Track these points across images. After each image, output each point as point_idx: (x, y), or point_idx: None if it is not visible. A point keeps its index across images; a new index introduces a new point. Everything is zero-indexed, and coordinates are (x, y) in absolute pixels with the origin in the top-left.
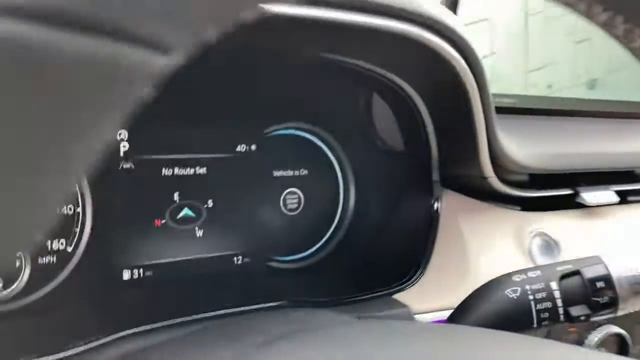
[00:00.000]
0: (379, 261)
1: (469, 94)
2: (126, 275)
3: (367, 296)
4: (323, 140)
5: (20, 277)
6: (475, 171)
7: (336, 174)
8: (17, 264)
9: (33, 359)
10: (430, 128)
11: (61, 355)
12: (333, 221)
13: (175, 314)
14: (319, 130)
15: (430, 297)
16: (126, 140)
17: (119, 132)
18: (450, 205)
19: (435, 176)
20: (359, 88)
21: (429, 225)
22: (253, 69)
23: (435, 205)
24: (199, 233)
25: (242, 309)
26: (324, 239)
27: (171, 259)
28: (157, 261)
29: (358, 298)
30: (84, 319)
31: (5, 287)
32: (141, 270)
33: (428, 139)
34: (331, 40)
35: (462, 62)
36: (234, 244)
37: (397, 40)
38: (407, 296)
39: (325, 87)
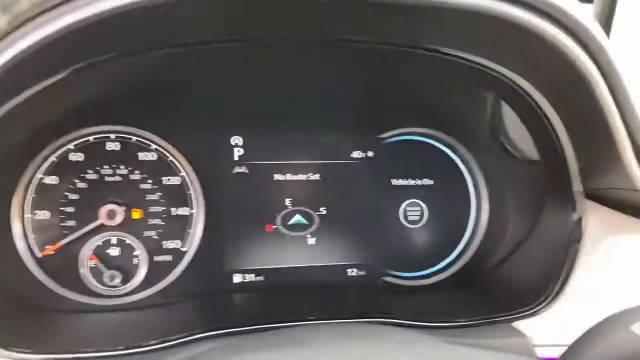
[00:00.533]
0: (506, 284)
1: (596, 94)
2: (237, 278)
3: (484, 321)
4: (450, 147)
5: (138, 274)
6: (623, 182)
7: (466, 184)
8: (135, 261)
9: (141, 347)
10: (562, 133)
11: (166, 344)
12: (461, 238)
13: (283, 320)
14: (444, 137)
15: (559, 327)
16: (241, 146)
17: (233, 138)
18: (594, 221)
19: (577, 186)
20: (486, 91)
21: (571, 243)
22: (371, 71)
23: (577, 219)
24: (311, 241)
25: (349, 321)
26: (451, 257)
27: (282, 265)
28: (268, 266)
29: (473, 323)
30: (193, 314)
31: (124, 283)
32: (252, 275)
33: (562, 145)
34: (459, 31)
35: (587, 59)
36: (348, 255)
37: (518, 31)
38: (530, 324)
39: (451, 90)
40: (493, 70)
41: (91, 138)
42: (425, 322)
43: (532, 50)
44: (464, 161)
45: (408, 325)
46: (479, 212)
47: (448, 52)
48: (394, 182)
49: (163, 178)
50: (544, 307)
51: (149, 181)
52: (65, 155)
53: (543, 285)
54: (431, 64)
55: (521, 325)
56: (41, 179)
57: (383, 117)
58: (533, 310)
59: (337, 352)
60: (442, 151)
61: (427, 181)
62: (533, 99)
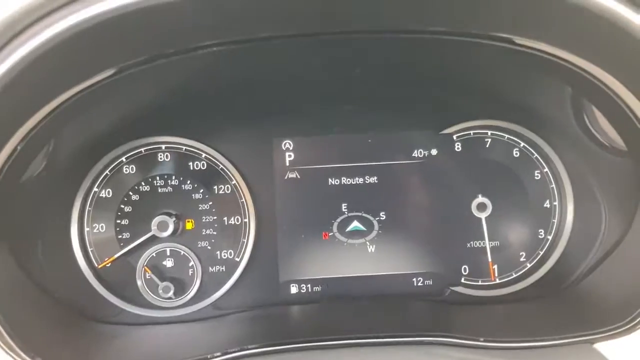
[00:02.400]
0: (591, 297)
1: None
2: (294, 289)
3: (560, 341)
4: (524, 140)
5: (193, 285)
6: None
7: (545, 181)
8: (190, 272)
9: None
10: None
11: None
12: (541, 243)
13: (343, 334)
14: (516, 128)
15: None
16: (292, 150)
17: (283, 142)
18: None
19: None
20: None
21: None
22: (434, 61)
23: None
24: (371, 248)
25: (417, 339)
26: (531, 263)
27: (341, 275)
28: (326, 276)
29: (549, 344)
30: (248, 328)
31: (177, 295)
32: (309, 286)
33: None
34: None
35: None
36: (412, 263)
37: (599, 20)
38: (614, 347)
39: (521, 78)
40: (567, 61)
41: (142, 150)
42: (494, 341)
43: (615, 41)
44: (540, 154)
45: (474, 346)
46: (562, 212)
47: (521, 42)
48: (461, 181)
49: (214, 187)
50: (634, 326)
51: (201, 191)
52: (118, 168)
53: (636, 299)
54: (500, 54)
55: (604, 347)
56: (97, 192)
57: (446, 111)
58: (620, 330)
59: None
60: (514, 144)
61: (498, 179)
62: (616, 93)
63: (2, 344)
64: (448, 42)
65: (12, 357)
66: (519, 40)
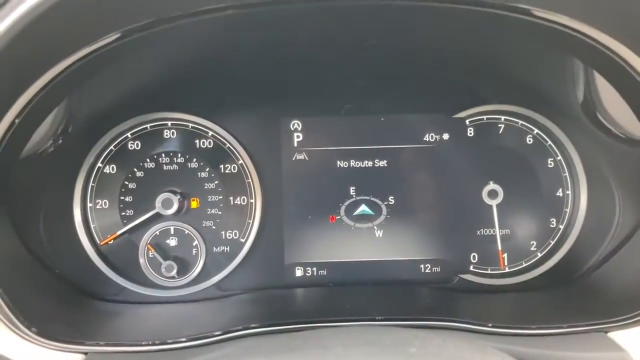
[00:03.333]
0: (604, 286)
1: None
2: (299, 272)
3: (573, 329)
4: (537, 125)
5: (196, 265)
6: None
7: (559, 168)
8: (194, 252)
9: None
10: None
11: (216, 338)
12: (552, 232)
13: (347, 316)
14: (529, 113)
15: None
16: (300, 131)
17: (292, 122)
18: None
19: None
20: (573, 61)
21: None
22: (447, 37)
23: None
24: (379, 233)
25: (422, 322)
26: (542, 253)
27: (347, 259)
28: (332, 260)
29: (560, 332)
30: (251, 309)
31: (181, 274)
32: (314, 269)
33: None
34: None
35: None
36: (420, 249)
37: None
38: (629, 336)
39: (537, 61)
40: (589, 36)
41: (148, 126)
42: (503, 327)
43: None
44: (554, 141)
45: (483, 332)
46: (575, 201)
47: (539, 14)
48: (472, 167)
49: (221, 166)
50: None
51: (207, 169)
52: (123, 144)
53: None
54: (517, 28)
55: (618, 336)
56: (101, 168)
57: (459, 94)
58: (636, 320)
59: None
60: (527, 131)
61: (510, 166)
62: (634, 68)
63: (1, 317)
64: (464, 14)
65: (11, 328)
66: (536, 11)
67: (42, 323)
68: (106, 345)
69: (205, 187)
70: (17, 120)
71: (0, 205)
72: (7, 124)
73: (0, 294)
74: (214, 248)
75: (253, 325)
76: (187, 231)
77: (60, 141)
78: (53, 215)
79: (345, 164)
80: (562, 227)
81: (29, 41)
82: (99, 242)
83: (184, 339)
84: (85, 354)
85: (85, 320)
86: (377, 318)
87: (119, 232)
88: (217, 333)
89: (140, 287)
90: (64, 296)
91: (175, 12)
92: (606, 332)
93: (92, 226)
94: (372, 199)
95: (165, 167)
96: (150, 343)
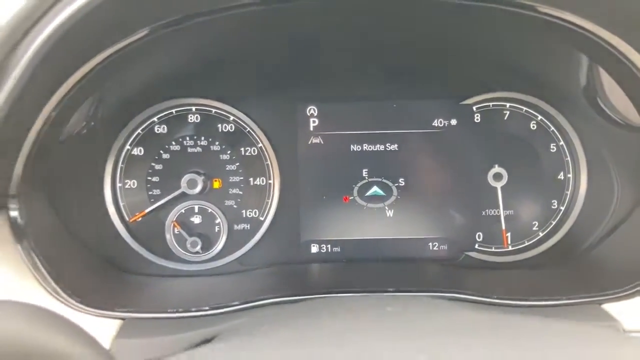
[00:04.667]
0: (601, 263)
1: None
2: (314, 248)
3: (569, 302)
4: (541, 112)
5: (219, 241)
6: None
7: (560, 153)
8: (217, 229)
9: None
10: None
11: (236, 307)
12: (554, 213)
13: (360, 287)
14: (533, 100)
15: None
16: (316, 116)
17: (308, 108)
18: None
19: None
20: (577, 52)
21: None
22: (454, 29)
23: None
24: (389, 213)
25: (429, 295)
26: (543, 232)
27: (359, 237)
28: (345, 238)
29: (556, 303)
30: (270, 282)
31: (205, 250)
32: (329, 246)
33: None
34: None
35: None
36: (429, 228)
37: None
38: (621, 307)
39: (540, 51)
40: (588, 30)
41: (174, 111)
42: (507, 299)
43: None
44: (557, 127)
45: (485, 303)
46: (575, 184)
47: (544, 10)
48: (479, 151)
49: (241, 149)
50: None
51: (228, 152)
52: (150, 127)
53: None
54: (520, 21)
55: (612, 307)
56: (129, 150)
57: (467, 82)
58: (628, 293)
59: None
60: (531, 117)
61: (515, 151)
62: (631, 61)
63: (47, 287)
64: (472, 10)
65: (57, 298)
66: (541, 8)
67: (83, 293)
68: (139, 312)
69: (227, 169)
70: (61, 105)
71: (42, 185)
72: (51, 108)
73: (45, 266)
74: (235, 226)
75: (271, 296)
76: (210, 210)
77: (92, 125)
78: (86, 195)
79: (359, 148)
80: (562, 208)
81: (74, 36)
82: (128, 219)
83: (207, 308)
84: (123, 319)
85: (119, 290)
86: (388, 290)
87: (146, 210)
88: (237, 303)
89: (167, 262)
90: (98, 269)
91: (203, 8)
92: (600, 304)
93: (121, 205)
94: (383, 180)
95: (189, 150)
96: (176, 311)
